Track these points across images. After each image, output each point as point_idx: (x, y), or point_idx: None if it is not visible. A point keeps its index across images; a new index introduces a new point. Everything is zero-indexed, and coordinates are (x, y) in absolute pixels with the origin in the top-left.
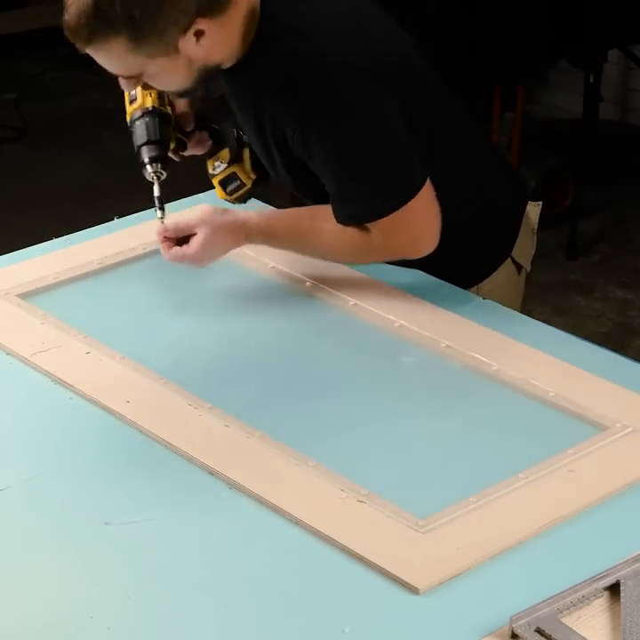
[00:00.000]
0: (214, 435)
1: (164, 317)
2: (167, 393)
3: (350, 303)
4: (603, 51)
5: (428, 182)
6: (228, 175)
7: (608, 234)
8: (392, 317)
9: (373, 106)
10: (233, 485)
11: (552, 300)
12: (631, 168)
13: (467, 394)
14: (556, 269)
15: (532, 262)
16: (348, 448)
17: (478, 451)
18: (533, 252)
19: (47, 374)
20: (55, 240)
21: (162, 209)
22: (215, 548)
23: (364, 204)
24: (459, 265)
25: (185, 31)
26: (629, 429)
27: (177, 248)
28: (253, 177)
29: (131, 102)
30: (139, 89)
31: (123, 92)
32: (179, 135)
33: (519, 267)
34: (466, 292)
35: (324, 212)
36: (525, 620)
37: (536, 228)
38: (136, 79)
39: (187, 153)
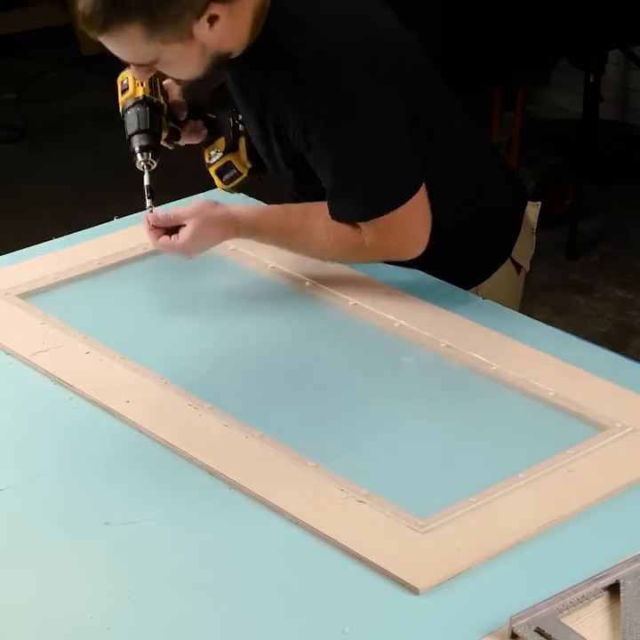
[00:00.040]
0: (214, 435)
1: (163, 317)
2: (167, 393)
3: (350, 303)
4: (604, 51)
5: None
6: (224, 164)
7: (608, 234)
8: (392, 317)
9: (376, 105)
10: (233, 485)
11: (552, 300)
12: (631, 168)
13: (467, 394)
14: (555, 269)
15: (531, 262)
16: (348, 448)
17: (478, 451)
18: (532, 252)
19: (47, 374)
20: (55, 240)
21: (151, 198)
22: (215, 548)
23: (362, 203)
24: (458, 265)
25: (199, 16)
26: (629, 429)
27: (165, 237)
28: (249, 166)
29: (122, 92)
30: (130, 78)
31: None
32: (172, 124)
33: (518, 267)
34: (466, 292)
35: (316, 210)
36: (525, 620)
37: (535, 228)
38: (149, 67)
39: (181, 142)
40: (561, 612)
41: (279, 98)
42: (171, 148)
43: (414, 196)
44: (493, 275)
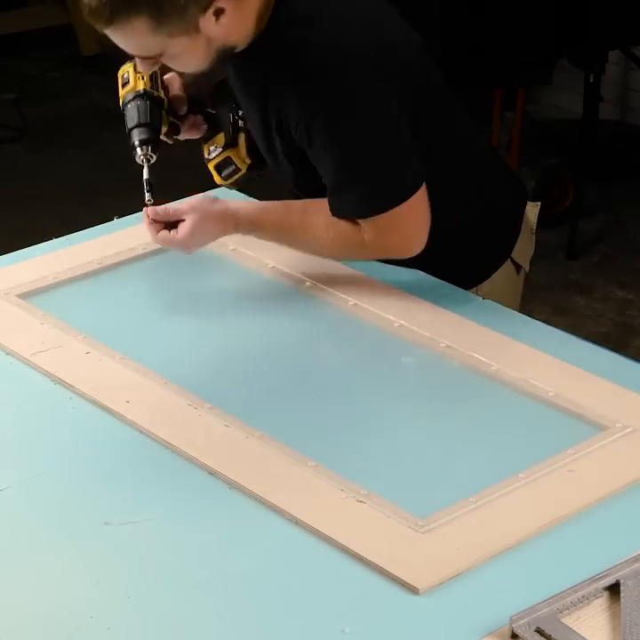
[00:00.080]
0: (214, 435)
1: (163, 317)
2: (167, 393)
3: (350, 303)
4: (605, 51)
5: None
6: (224, 159)
7: (608, 234)
8: (392, 317)
9: (379, 104)
10: (233, 485)
11: (552, 300)
12: (631, 168)
13: (466, 394)
14: (555, 269)
15: (531, 262)
16: (348, 448)
17: (478, 451)
18: (532, 252)
19: (47, 374)
20: (55, 240)
21: (150, 192)
22: (215, 548)
23: (363, 200)
24: (458, 265)
25: (205, 9)
26: (629, 429)
27: (165, 232)
28: (248, 162)
29: (123, 85)
30: (131, 72)
31: None
32: (172, 119)
33: (518, 267)
34: (466, 292)
35: (316, 207)
36: (525, 620)
37: (535, 228)
38: (154, 60)
39: (180, 136)
40: (561, 612)
41: (282, 92)
42: (170, 142)
43: (414, 195)
44: (493, 275)
